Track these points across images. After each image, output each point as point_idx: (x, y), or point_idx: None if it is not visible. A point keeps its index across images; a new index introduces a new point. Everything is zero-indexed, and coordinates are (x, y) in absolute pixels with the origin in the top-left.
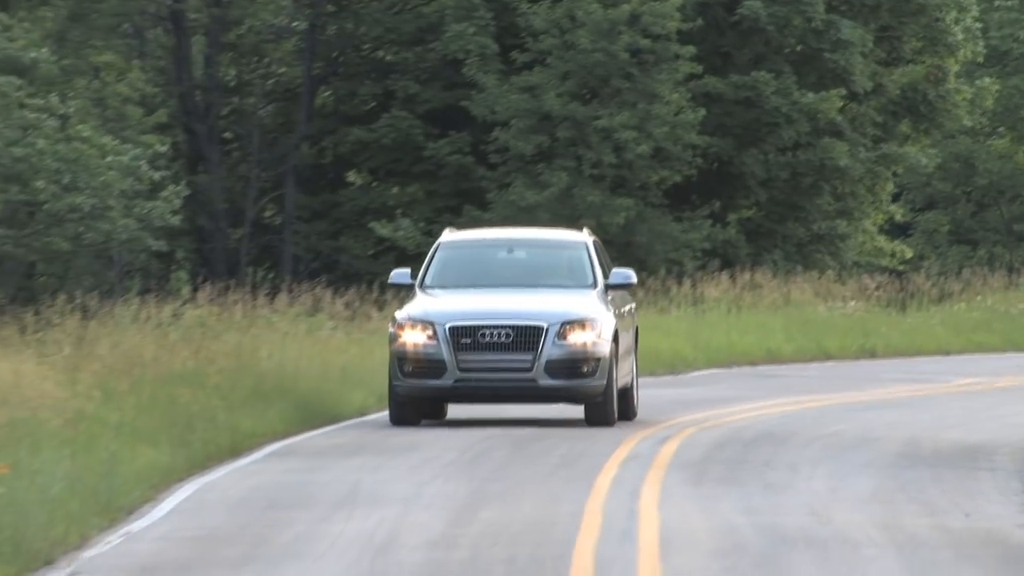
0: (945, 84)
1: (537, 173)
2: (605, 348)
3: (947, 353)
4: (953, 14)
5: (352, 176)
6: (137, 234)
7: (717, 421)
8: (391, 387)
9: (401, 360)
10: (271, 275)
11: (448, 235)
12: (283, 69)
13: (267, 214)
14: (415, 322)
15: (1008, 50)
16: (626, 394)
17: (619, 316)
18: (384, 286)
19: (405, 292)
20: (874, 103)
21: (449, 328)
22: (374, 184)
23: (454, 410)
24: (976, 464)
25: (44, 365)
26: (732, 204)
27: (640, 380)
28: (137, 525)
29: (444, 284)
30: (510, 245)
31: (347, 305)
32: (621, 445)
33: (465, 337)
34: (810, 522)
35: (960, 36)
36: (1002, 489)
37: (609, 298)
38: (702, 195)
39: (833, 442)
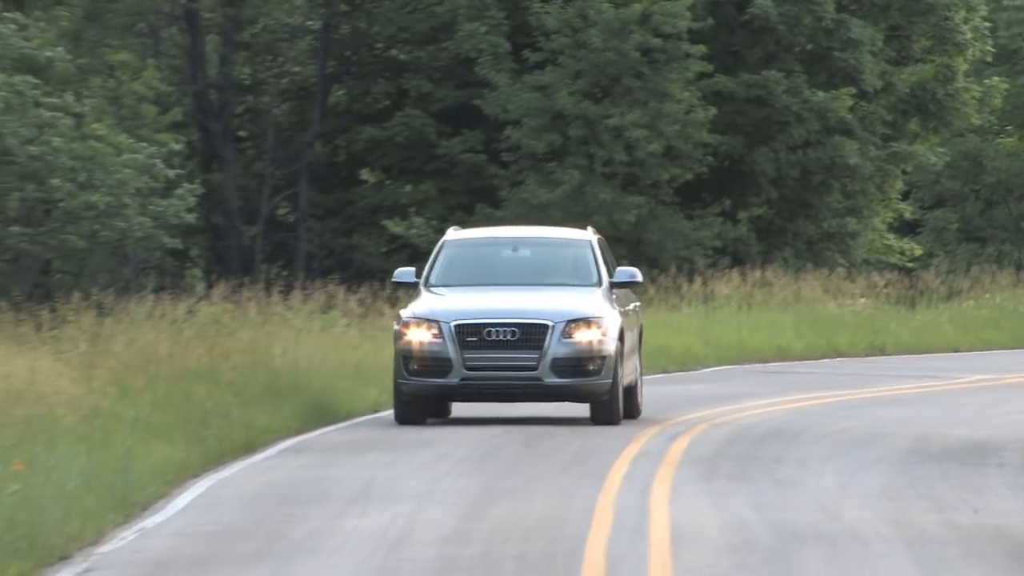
0: (954, 83)
1: (549, 171)
2: (611, 346)
3: (956, 350)
4: (962, 13)
5: (365, 174)
6: (152, 232)
7: (727, 418)
8: (396, 386)
9: (407, 358)
10: (285, 272)
11: (453, 234)
12: (297, 68)
13: (281, 212)
14: (420, 320)
15: (1017, 49)
16: (631, 392)
17: (624, 314)
18: (397, 283)
19: (410, 291)
20: (884, 102)
21: (455, 326)
22: (387, 182)
23: (458, 409)
24: (985, 460)
25: (60, 362)
26: (743, 202)
27: (651, 377)
28: (152, 521)
29: (449, 282)
30: (515, 244)
31: (360, 302)
32: (632, 442)
33: (471, 335)
34: (820, 518)
35: (969, 35)
36: (1010, 485)
37: (614, 296)
38: (713, 193)
39: (843, 438)
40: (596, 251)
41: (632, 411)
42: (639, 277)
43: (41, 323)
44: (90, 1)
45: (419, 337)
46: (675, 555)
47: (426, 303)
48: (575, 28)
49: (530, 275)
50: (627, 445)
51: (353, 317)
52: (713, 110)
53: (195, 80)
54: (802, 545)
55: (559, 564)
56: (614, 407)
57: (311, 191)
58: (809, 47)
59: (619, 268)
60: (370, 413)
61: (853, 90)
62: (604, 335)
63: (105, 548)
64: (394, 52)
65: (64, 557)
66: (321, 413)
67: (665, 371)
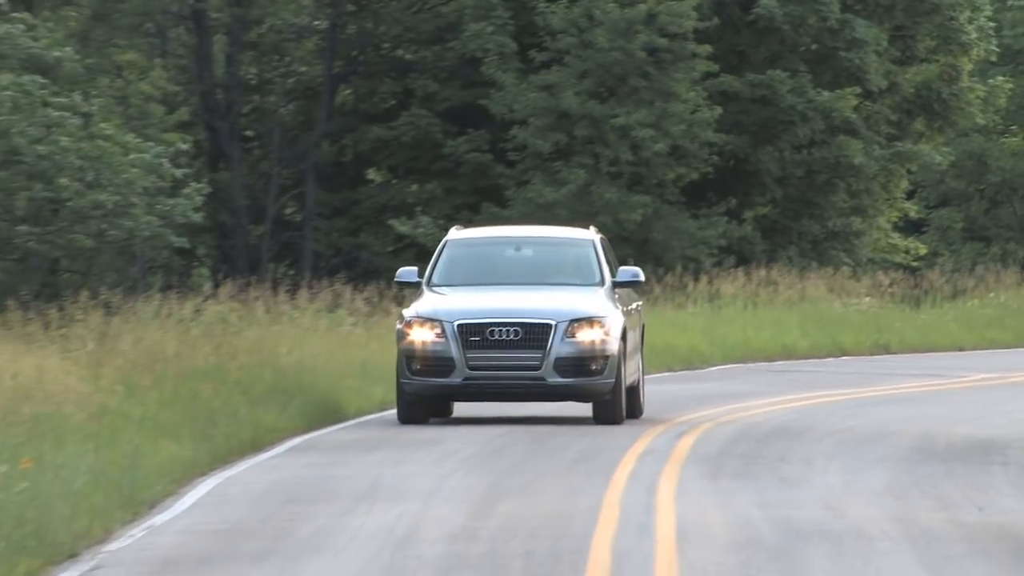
0: (959, 83)
1: (555, 171)
2: (614, 346)
3: (960, 349)
4: (967, 13)
5: (372, 174)
6: (159, 231)
7: (733, 416)
8: (399, 385)
9: (409, 358)
10: (292, 271)
11: (455, 233)
12: (304, 68)
13: (288, 211)
14: (423, 320)
15: (1021, 49)
16: (633, 392)
17: (627, 314)
18: (399, 283)
19: (413, 290)
20: (888, 101)
21: (458, 326)
22: (393, 181)
23: (459, 409)
24: (989, 459)
25: (68, 360)
26: (748, 201)
27: (657, 375)
28: (160, 519)
29: (451, 282)
30: (517, 243)
31: (367, 301)
32: (638, 440)
33: (473, 335)
34: (825, 516)
35: (974, 35)
36: (1015, 483)
37: (616, 296)
38: (718, 192)
39: (847, 437)
40: (599, 250)
41: (634, 411)
42: (641, 276)
43: (49, 322)
44: (98, 1)
45: (422, 337)
46: (681, 552)
47: (429, 303)
48: (581, 28)
49: (533, 275)
50: (633, 443)
51: (360, 316)
52: (718, 110)
53: (202, 80)
54: (807, 543)
55: (566, 561)
56: (617, 407)
57: (318, 190)
58: (814, 47)
59: (621, 267)
60: (377, 412)
61: (858, 90)
62: (607, 335)
63: (113, 546)
64: (400, 52)
65: (72, 555)
66: (328, 412)
67: (671, 370)
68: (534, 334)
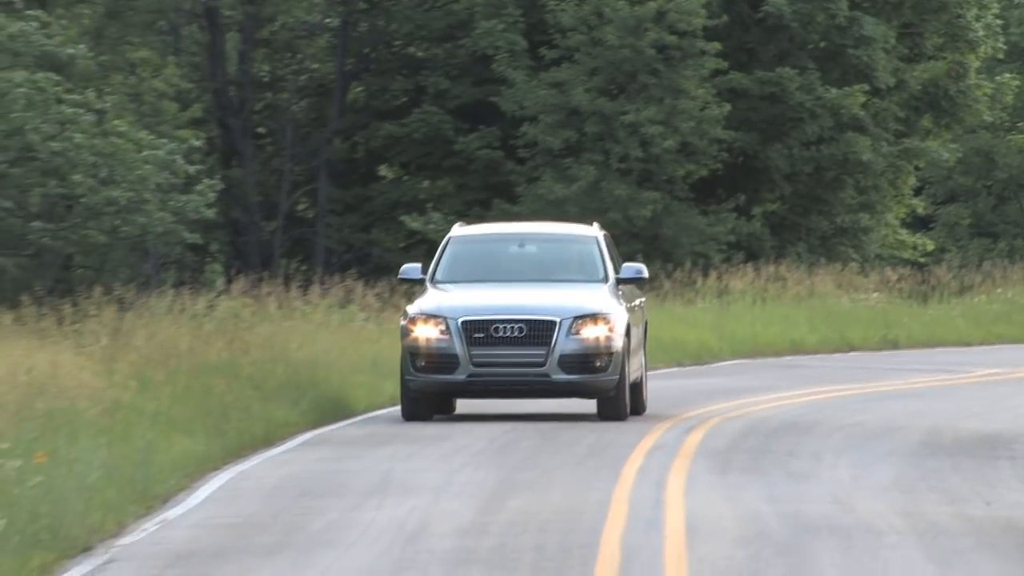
0: (966, 80)
1: (565, 167)
2: (618, 342)
3: (968, 344)
4: (974, 11)
5: (383, 170)
6: (172, 227)
7: (742, 411)
8: (403, 382)
9: (413, 355)
10: (304, 267)
11: (458, 230)
12: (316, 65)
13: (300, 207)
14: (427, 317)
15: None
16: (637, 388)
17: (630, 310)
18: (403, 280)
19: (416, 287)
20: (896, 98)
21: (462, 322)
22: (405, 178)
23: (462, 405)
24: (996, 453)
25: (81, 356)
26: (757, 198)
27: (666, 370)
28: (173, 513)
29: (455, 279)
30: (521, 240)
31: (378, 297)
32: (647, 435)
33: (478, 332)
34: (833, 510)
35: (981, 33)
36: (1022, 478)
37: (620, 292)
38: (727, 189)
39: (856, 432)
40: (602, 247)
41: (638, 407)
42: (645, 273)
43: (63, 317)
44: None
45: (426, 333)
46: (690, 547)
47: (433, 299)
48: (591, 25)
49: (536, 271)
50: (642, 438)
51: (371, 311)
52: (727, 107)
53: (215, 77)
54: (815, 537)
55: (575, 556)
56: (621, 403)
57: (330, 187)
58: (822, 44)
59: (625, 264)
60: (388, 407)
61: (866, 87)
62: (611, 331)
63: (126, 540)
64: (412, 49)
65: (86, 549)
66: (339, 407)
67: (680, 365)
68: (538, 331)
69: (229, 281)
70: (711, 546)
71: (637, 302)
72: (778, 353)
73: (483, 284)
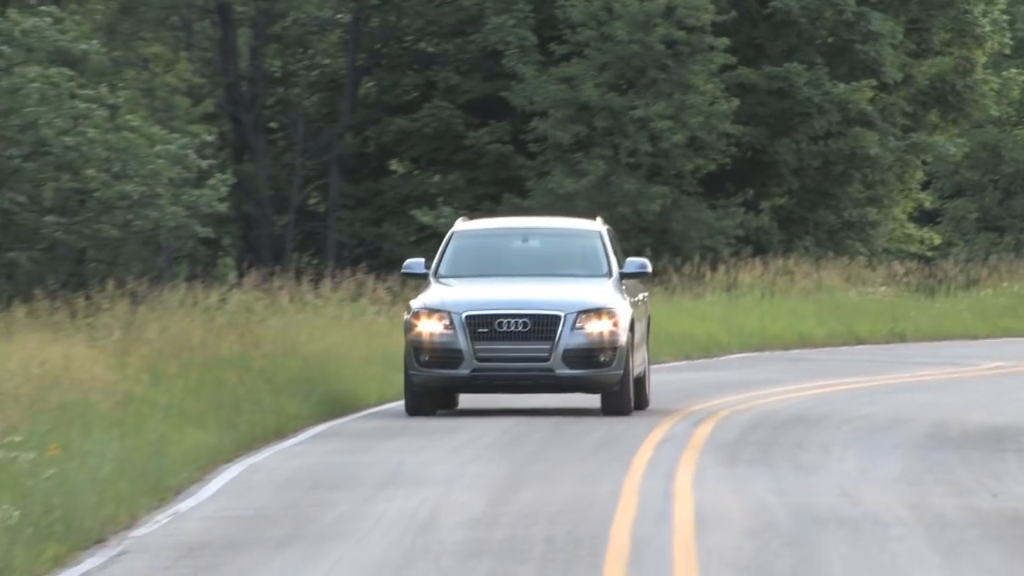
0: (973, 75)
1: (575, 162)
2: (622, 337)
3: (974, 338)
4: (981, 7)
5: (394, 165)
6: (185, 221)
7: (750, 404)
8: (407, 377)
9: (417, 350)
10: (315, 261)
11: (461, 224)
12: (327, 60)
13: (312, 202)
14: (431, 311)
15: None
16: (640, 383)
17: (634, 305)
18: (406, 274)
19: (420, 281)
20: (904, 93)
21: (466, 317)
22: (416, 172)
23: (464, 401)
24: (1003, 445)
25: (94, 349)
26: (765, 192)
27: (675, 364)
28: (185, 505)
29: (458, 273)
30: (524, 234)
31: (389, 290)
32: (656, 428)
33: (482, 326)
34: (841, 502)
35: (988, 28)
36: None
37: (624, 287)
38: (736, 183)
39: (863, 424)
40: (606, 241)
41: (641, 402)
42: (649, 268)
43: (76, 311)
44: None
45: (430, 328)
46: (699, 538)
47: (436, 294)
48: (601, 21)
49: (540, 266)
50: (651, 431)
51: (382, 305)
52: (736, 102)
53: (227, 72)
54: (823, 529)
55: (585, 547)
56: (625, 398)
57: (341, 181)
58: (830, 40)
59: (629, 259)
60: (399, 400)
61: (874, 82)
62: (615, 326)
63: (139, 531)
64: (423, 45)
65: (99, 540)
66: (351, 400)
67: (689, 358)
68: (542, 325)
69: (241, 275)
70: (720, 537)
71: (640, 297)
72: (786, 346)
73: (487, 279)
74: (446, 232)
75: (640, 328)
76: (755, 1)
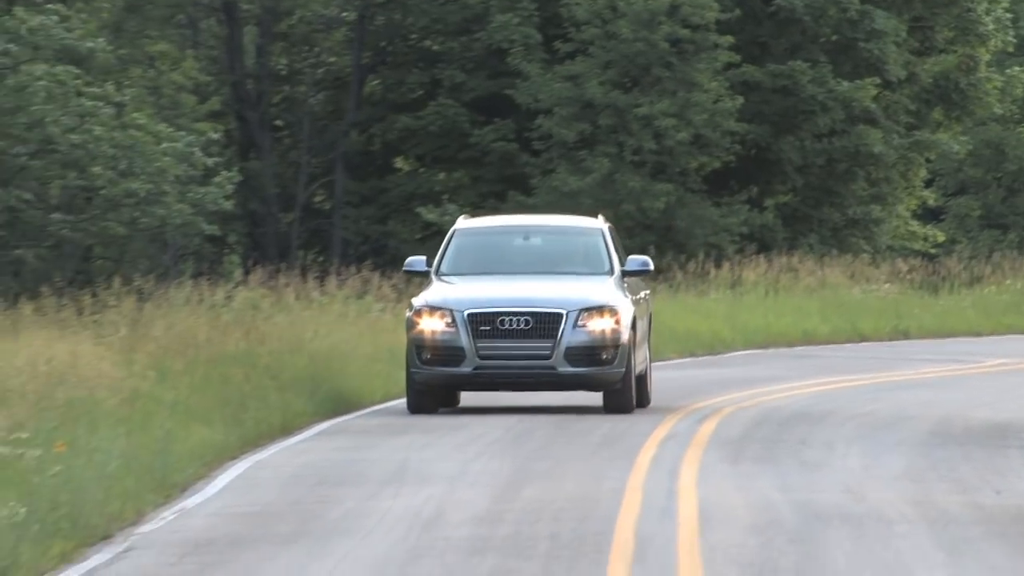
0: (976, 73)
1: (580, 159)
2: (624, 335)
3: (978, 335)
4: (984, 5)
5: (400, 162)
6: (191, 218)
7: (754, 401)
8: (409, 375)
9: (419, 347)
10: (321, 259)
11: (463, 222)
12: (333, 58)
13: (317, 199)
14: (433, 309)
15: None
16: (641, 381)
17: (635, 303)
18: (408, 272)
19: (421, 279)
20: (907, 91)
21: (468, 315)
22: (421, 170)
23: (465, 399)
24: (1006, 442)
25: (101, 346)
26: (769, 189)
27: (679, 361)
28: (191, 501)
29: (460, 271)
30: (526, 232)
31: (394, 288)
32: (660, 425)
33: (484, 324)
34: (845, 499)
35: (991, 26)
36: None
37: (625, 285)
38: (740, 181)
39: (867, 421)
40: (607, 239)
41: (642, 400)
42: (651, 266)
43: (82, 308)
44: None
45: (432, 326)
46: (703, 535)
47: (438, 292)
48: (605, 19)
49: (542, 263)
50: (655, 428)
51: (387, 302)
52: (740, 99)
53: (233, 70)
54: (827, 525)
55: (589, 544)
56: (627, 395)
57: (347, 179)
58: (834, 38)
59: (631, 256)
60: (404, 397)
61: (877, 80)
62: (618, 324)
63: (145, 528)
64: (428, 43)
65: (105, 537)
66: (356, 397)
67: (693, 355)
68: (545, 323)
69: (247, 272)
70: (724, 534)
71: (642, 295)
72: (790, 343)
73: (488, 276)
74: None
75: (642, 326)
76: None
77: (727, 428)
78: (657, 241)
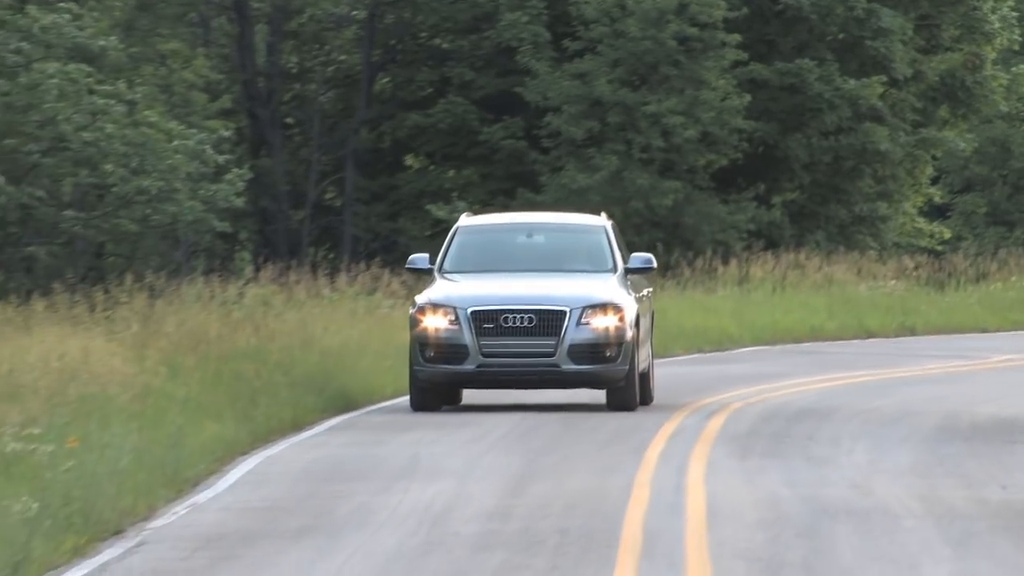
0: (982, 71)
1: (588, 157)
2: (628, 332)
3: (984, 331)
4: (990, 3)
5: (409, 160)
6: (202, 216)
7: (761, 397)
8: (412, 372)
9: (423, 345)
10: (331, 255)
11: (466, 220)
12: (343, 56)
13: (328, 196)
14: (436, 307)
15: None
16: (644, 379)
17: (639, 301)
18: (411, 269)
19: (424, 277)
20: (914, 89)
21: (471, 312)
22: (431, 167)
23: (468, 396)
24: (1012, 438)
25: (113, 342)
26: (776, 187)
27: (687, 357)
28: (202, 496)
29: (463, 269)
30: (528, 229)
31: (404, 284)
32: (668, 420)
33: (487, 322)
34: (851, 494)
35: (997, 25)
36: None
37: (628, 282)
38: (748, 178)
39: (873, 417)
40: (610, 237)
41: (645, 398)
42: (654, 263)
43: (95, 305)
44: None
45: (435, 323)
46: (711, 530)
47: (441, 289)
48: (613, 18)
49: (545, 261)
50: (664, 424)
51: (397, 299)
52: (748, 97)
53: (244, 68)
54: (834, 520)
55: (598, 539)
56: (631, 393)
57: (357, 176)
58: (841, 36)
59: (634, 254)
60: None
61: (884, 78)
62: (621, 321)
63: (157, 523)
64: (437, 41)
65: (117, 531)
66: (366, 393)
67: (701, 351)
68: (548, 321)
69: (258, 269)
70: (731, 529)
71: (644, 292)
72: (797, 340)
73: (492, 274)
74: None
75: (645, 324)
76: None
77: (735, 424)
78: (665, 238)
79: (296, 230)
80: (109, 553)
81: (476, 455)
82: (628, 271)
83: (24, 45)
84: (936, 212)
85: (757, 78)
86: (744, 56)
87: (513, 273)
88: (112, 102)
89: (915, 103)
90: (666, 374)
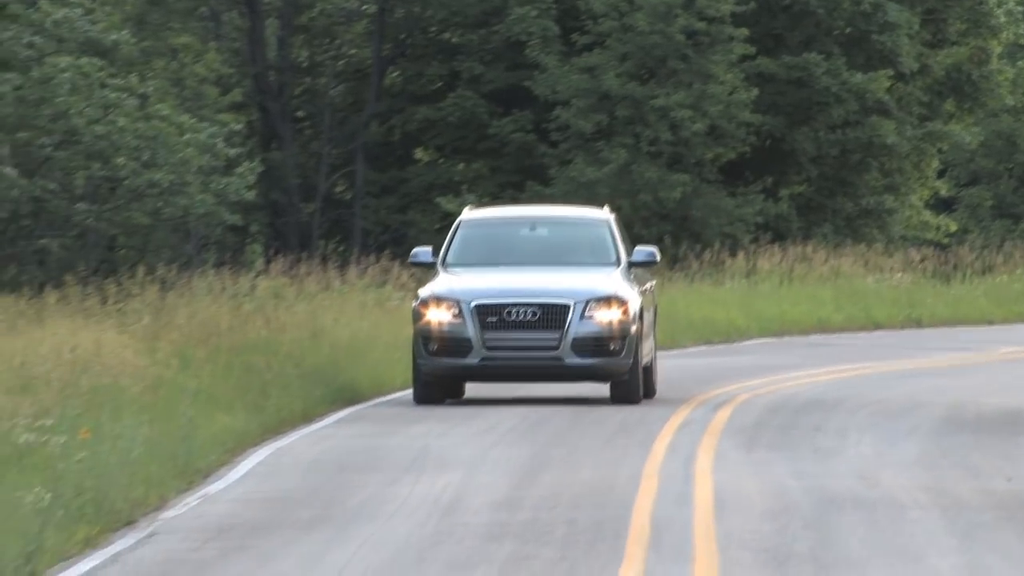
0: (988, 65)
1: (597, 150)
2: (632, 326)
3: (990, 323)
4: None
5: (419, 153)
6: (213, 208)
7: (769, 388)
8: (415, 366)
9: (426, 338)
10: (341, 248)
11: (469, 213)
12: (353, 50)
13: (338, 189)
14: (440, 300)
15: None
16: (648, 372)
17: (642, 294)
18: (414, 263)
19: (428, 270)
20: (920, 83)
21: (475, 306)
22: (440, 161)
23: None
24: (1018, 429)
25: (124, 334)
26: (784, 180)
27: (695, 349)
28: (214, 487)
29: (466, 262)
30: (532, 223)
31: (413, 276)
32: (676, 412)
33: (491, 315)
34: (858, 485)
35: (1003, 19)
36: None
37: (632, 276)
38: (755, 171)
39: (880, 408)
40: (614, 230)
41: (648, 391)
42: (657, 257)
43: (107, 297)
44: None
45: (438, 317)
46: (718, 520)
47: (445, 283)
48: (622, 12)
49: (548, 255)
50: (671, 415)
51: (407, 291)
52: (755, 91)
53: (255, 62)
54: (841, 511)
55: (607, 529)
56: (634, 386)
57: (367, 169)
58: (848, 30)
59: (637, 247)
60: None
61: (890, 72)
62: (625, 314)
63: (168, 513)
64: (447, 35)
65: (129, 522)
66: (376, 384)
67: (709, 343)
68: (552, 314)
69: (268, 261)
70: (739, 520)
71: (648, 285)
72: (804, 332)
73: (495, 268)
74: None
75: (648, 317)
76: None
77: (742, 415)
78: (673, 231)
79: (306, 223)
80: (121, 543)
81: (485, 447)
82: (631, 264)
83: (37, 39)
84: (942, 205)
85: (765, 72)
86: (752, 50)
87: (516, 266)
88: (124, 96)
89: (921, 97)
90: (674, 366)
